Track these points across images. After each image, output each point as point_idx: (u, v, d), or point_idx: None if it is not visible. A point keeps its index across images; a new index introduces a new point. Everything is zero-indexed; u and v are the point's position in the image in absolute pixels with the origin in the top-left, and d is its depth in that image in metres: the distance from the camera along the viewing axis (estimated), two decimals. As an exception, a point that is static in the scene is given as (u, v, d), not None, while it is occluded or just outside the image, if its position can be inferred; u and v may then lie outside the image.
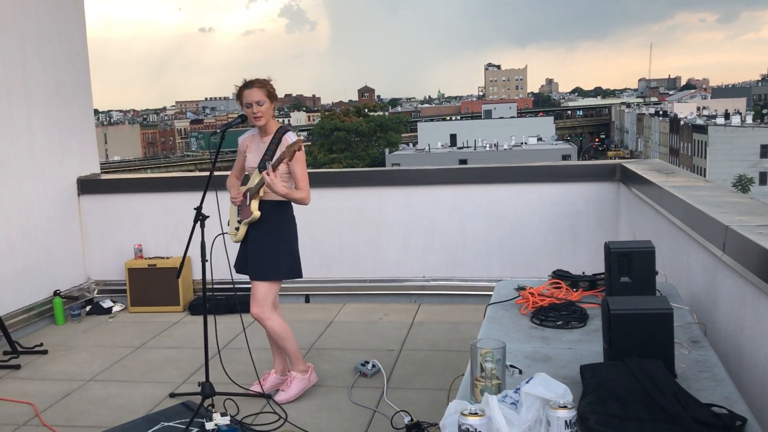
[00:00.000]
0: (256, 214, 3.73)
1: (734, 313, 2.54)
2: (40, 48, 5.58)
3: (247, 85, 3.73)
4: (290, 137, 3.74)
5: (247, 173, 3.91)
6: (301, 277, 3.96)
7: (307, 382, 3.99)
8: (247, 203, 3.79)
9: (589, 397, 1.84)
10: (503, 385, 1.94)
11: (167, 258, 5.90)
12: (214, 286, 5.73)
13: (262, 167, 3.72)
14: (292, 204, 3.86)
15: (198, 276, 5.75)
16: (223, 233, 3.77)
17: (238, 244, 3.94)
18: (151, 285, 5.81)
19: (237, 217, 3.89)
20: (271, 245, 3.80)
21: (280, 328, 3.90)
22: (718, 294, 2.73)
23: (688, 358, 2.19)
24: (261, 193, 3.73)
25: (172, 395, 4.08)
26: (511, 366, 2.15)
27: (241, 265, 3.95)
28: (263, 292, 3.83)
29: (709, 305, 2.82)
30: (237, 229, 3.86)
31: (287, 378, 4.00)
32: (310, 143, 63.05)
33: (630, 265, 2.61)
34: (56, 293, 5.60)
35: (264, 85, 3.73)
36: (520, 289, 2.96)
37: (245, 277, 3.97)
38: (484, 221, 5.64)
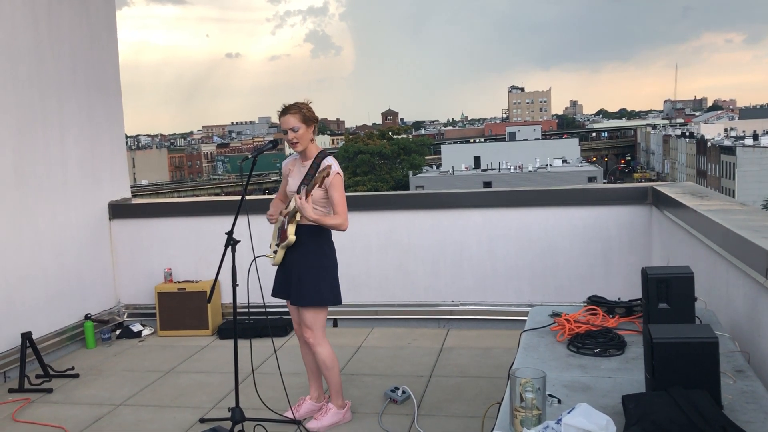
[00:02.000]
0: (291, 238, 3.71)
1: (779, 341, 2.47)
2: (74, 77, 5.70)
3: (283, 111, 3.71)
4: (328, 162, 3.72)
5: (289, 198, 3.91)
6: (340, 303, 3.91)
7: (341, 418, 3.93)
8: (285, 227, 3.77)
9: (633, 429, 1.79)
10: (543, 415, 1.89)
11: (196, 282, 5.93)
12: (244, 310, 5.79)
13: (299, 192, 3.72)
14: (331, 230, 3.83)
15: (226, 300, 5.77)
16: (258, 256, 3.76)
17: (275, 268, 3.92)
18: (180, 309, 5.84)
19: (276, 240, 3.89)
20: (311, 271, 3.77)
21: (329, 358, 3.86)
22: (761, 321, 2.66)
23: (734, 389, 2.12)
24: (297, 218, 3.71)
25: (202, 420, 4.07)
26: (550, 395, 2.10)
27: (278, 290, 3.91)
28: (311, 317, 3.80)
29: (752, 333, 2.74)
30: (275, 252, 3.85)
31: (322, 405, 3.97)
32: (335, 166, 63.16)
33: (668, 291, 2.55)
34: (87, 317, 5.66)
35: (299, 110, 3.69)
36: (555, 315, 2.91)
37: (277, 301, 3.96)
38: (514, 245, 5.59)
